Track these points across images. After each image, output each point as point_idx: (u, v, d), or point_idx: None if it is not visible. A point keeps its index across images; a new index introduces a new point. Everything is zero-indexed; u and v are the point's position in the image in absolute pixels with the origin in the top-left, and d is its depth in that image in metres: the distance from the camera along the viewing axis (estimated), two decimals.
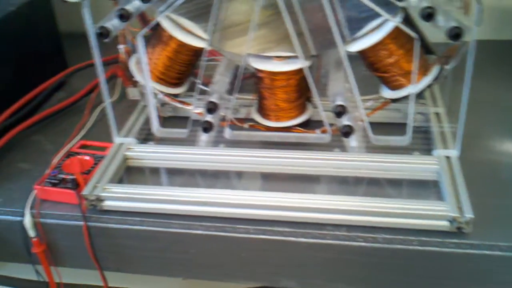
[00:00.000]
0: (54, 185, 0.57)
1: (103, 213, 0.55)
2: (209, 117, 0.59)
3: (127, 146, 0.61)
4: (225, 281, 0.57)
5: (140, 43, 0.58)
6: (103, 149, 0.62)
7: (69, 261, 0.59)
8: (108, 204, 0.55)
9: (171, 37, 0.59)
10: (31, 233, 0.56)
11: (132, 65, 0.62)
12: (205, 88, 0.61)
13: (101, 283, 0.59)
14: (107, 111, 0.60)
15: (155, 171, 0.61)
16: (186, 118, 0.64)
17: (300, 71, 0.58)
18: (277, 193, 0.53)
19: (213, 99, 0.59)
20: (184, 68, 0.62)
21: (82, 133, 0.67)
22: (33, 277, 0.59)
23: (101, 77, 0.58)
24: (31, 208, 0.56)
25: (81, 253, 0.56)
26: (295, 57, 0.57)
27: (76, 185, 0.56)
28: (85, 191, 0.55)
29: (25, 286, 0.70)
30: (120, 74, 0.66)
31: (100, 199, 0.55)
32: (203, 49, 0.60)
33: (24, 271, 0.68)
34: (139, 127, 0.65)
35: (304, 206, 0.52)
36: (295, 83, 0.59)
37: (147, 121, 0.66)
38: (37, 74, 0.76)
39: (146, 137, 0.65)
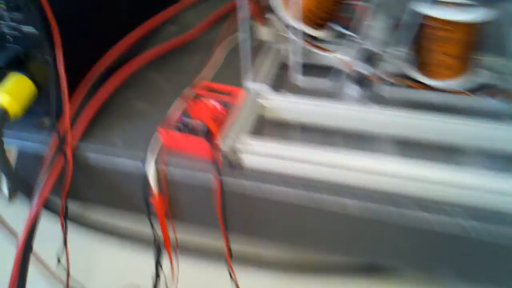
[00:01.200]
0: (181, 131, 0.50)
1: (239, 169, 0.48)
2: (363, 68, 0.51)
3: (261, 94, 0.54)
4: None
5: None
6: (229, 94, 0.54)
7: (188, 217, 0.53)
8: (246, 159, 0.48)
9: None
10: (153, 182, 0.50)
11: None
12: (353, 35, 0.53)
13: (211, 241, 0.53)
14: (241, 50, 0.52)
15: (295, 125, 0.53)
16: (320, 67, 0.57)
17: (479, 24, 0.48)
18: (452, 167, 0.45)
19: (369, 47, 0.51)
20: (332, 7, 0.53)
21: (206, 74, 0.60)
22: (143, 227, 0.54)
23: (243, 10, 0.49)
24: (155, 154, 0.50)
25: (203, 209, 0.50)
26: (474, 5, 0.47)
27: (208, 134, 0.49)
28: (222, 143, 0.48)
29: (136, 238, 0.65)
30: (253, 9, 0.57)
31: (237, 153, 0.48)
32: None
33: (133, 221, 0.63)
34: (270, 72, 0.57)
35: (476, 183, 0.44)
36: (473, 36, 0.49)
37: (277, 67, 0.58)
38: (149, 6, 0.68)
39: (277, 84, 0.57)
